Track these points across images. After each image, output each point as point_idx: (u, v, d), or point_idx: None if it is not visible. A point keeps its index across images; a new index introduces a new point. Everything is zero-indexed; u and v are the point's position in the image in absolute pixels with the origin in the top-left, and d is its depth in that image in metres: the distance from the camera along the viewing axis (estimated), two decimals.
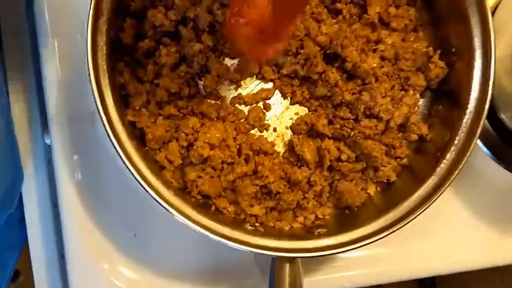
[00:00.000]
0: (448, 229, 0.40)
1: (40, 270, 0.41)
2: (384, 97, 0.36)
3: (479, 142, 0.40)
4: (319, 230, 0.34)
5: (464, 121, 0.34)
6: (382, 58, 0.36)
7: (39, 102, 0.42)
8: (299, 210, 0.35)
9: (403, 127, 0.37)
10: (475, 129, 0.34)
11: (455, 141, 0.34)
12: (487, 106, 0.34)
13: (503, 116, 0.39)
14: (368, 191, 0.37)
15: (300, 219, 0.35)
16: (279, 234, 0.33)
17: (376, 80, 0.36)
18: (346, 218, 0.36)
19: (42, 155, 0.42)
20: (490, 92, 0.34)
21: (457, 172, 0.33)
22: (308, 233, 0.34)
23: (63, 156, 0.38)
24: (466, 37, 0.34)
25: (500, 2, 0.38)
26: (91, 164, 0.38)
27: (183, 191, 0.34)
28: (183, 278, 0.38)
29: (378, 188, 0.37)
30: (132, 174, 0.30)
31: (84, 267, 0.37)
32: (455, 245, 0.41)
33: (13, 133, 0.40)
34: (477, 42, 0.33)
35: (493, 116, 0.40)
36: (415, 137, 0.36)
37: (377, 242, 0.35)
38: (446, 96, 0.37)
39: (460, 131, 0.34)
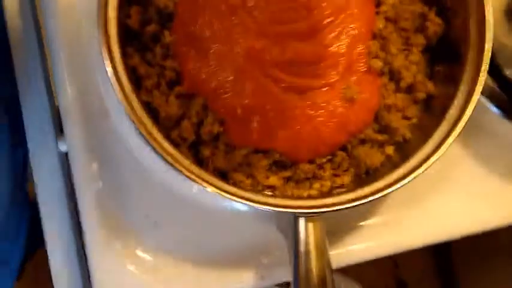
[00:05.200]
0: (461, 187, 0.40)
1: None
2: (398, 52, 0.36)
3: (486, 101, 0.41)
4: (337, 191, 0.34)
5: (466, 74, 0.34)
6: (386, 19, 0.37)
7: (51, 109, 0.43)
8: (315, 179, 0.35)
9: (409, 86, 0.37)
10: (476, 80, 0.34)
11: (459, 95, 0.34)
12: (486, 57, 0.34)
13: (507, 73, 0.40)
14: (386, 152, 0.37)
15: (316, 185, 0.35)
16: (299, 198, 0.33)
17: (383, 39, 0.37)
18: (364, 178, 0.36)
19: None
20: (489, 44, 0.34)
21: (463, 121, 0.34)
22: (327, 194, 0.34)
23: (81, 152, 0.39)
24: None
25: None
26: (109, 158, 0.39)
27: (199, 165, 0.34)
28: (204, 261, 0.38)
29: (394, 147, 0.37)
30: (152, 146, 0.31)
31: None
32: (469, 203, 0.40)
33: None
34: None
35: (498, 74, 0.40)
36: (422, 95, 0.37)
37: (393, 206, 0.36)
38: (446, 54, 0.37)
39: (462, 84, 0.34)
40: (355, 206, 0.31)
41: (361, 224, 0.39)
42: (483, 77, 0.34)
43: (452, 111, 0.34)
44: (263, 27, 0.34)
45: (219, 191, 0.31)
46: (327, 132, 0.34)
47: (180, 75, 0.35)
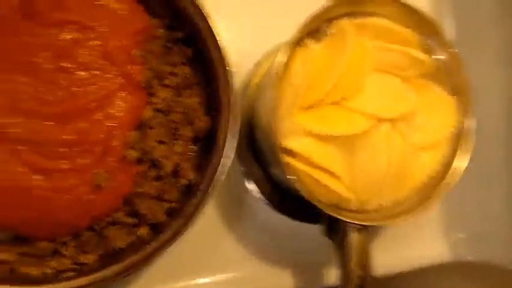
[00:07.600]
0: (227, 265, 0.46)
1: None
2: (159, 143, 0.39)
3: (255, 188, 0.46)
4: (69, 274, 0.35)
5: (210, 167, 0.38)
6: (156, 110, 0.39)
7: None
8: (56, 256, 0.36)
9: (174, 173, 0.40)
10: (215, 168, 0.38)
11: (203, 183, 0.38)
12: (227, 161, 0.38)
13: (273, 171, 0.45)
14: (138, 233, 0.38)
15: (53, 264, 0.35)
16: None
17: (150, 128, 0.39)
18: (111, 257, 0.37)
19: None
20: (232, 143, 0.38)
21: (206, 201, 0.37)
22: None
23: None
24: (218, 96, 0.39)
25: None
26: None
27: None
28: None
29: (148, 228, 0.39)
30: None
31: None
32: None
33: None
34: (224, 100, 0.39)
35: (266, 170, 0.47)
36: (185, 181, 0.40)
37: None
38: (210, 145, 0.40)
39: (208, 173, 0.38)
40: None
41: None
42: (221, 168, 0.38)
43: (199, 193, 0.38)
44: (15, 103, 0.33)
45: None
46: (67, 216, 0.34)
47: None
